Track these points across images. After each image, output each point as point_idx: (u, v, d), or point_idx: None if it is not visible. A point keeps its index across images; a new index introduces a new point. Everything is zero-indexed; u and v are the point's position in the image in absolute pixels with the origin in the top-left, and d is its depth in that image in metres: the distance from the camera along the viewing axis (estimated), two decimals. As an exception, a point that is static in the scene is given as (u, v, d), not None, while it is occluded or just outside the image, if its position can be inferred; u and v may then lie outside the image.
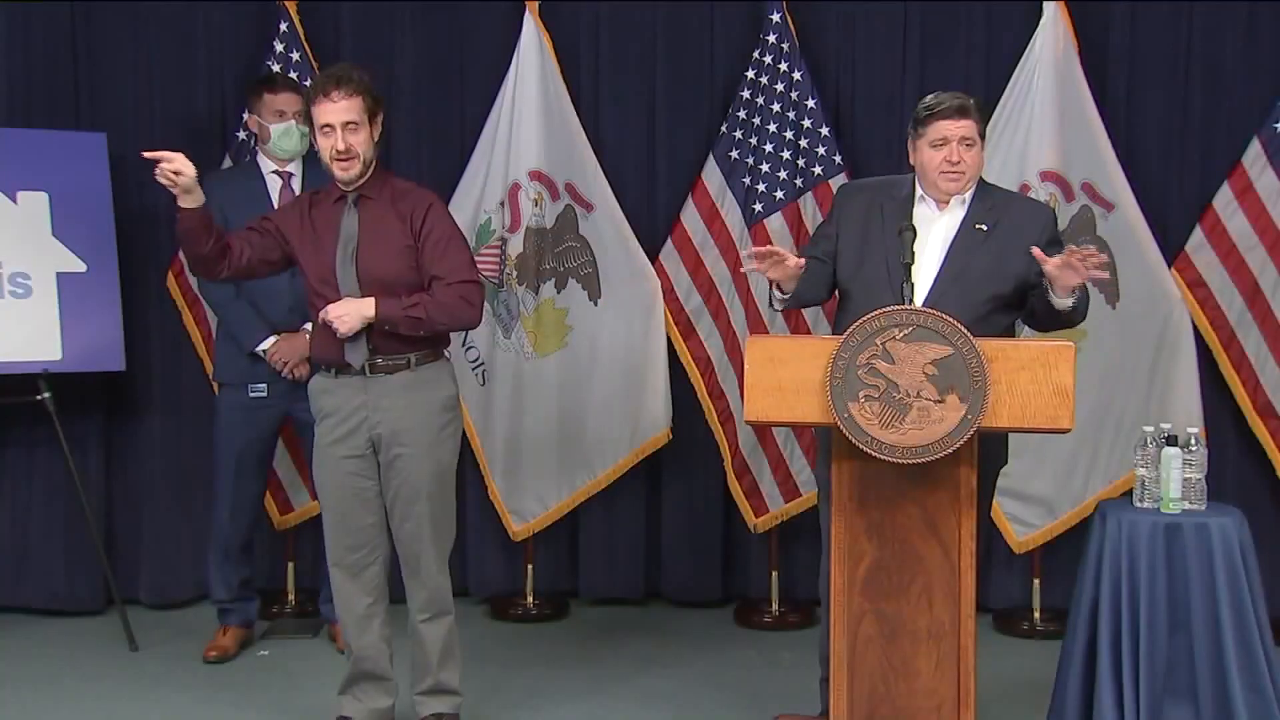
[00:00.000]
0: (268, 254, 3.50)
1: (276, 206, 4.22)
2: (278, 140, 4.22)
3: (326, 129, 3.38)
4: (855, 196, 3.48)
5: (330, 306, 3.39)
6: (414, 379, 3.46)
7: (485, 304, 4.61)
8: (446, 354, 3.59)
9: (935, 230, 3.31)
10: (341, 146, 3.37)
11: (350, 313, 3.37)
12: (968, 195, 3.35)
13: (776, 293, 3.37)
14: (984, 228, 3.32)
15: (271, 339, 4.17)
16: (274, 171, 4.27)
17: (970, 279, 3.27)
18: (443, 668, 3.57)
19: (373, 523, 3.51)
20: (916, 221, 3.26)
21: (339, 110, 3.36)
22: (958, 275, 3.28)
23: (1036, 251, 3.16)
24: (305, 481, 4.69)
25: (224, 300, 4.23)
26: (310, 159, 4.41)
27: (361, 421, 3.45)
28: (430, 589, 3.53)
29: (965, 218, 3.34)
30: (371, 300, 3.37)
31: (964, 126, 3.28)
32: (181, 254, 3.60)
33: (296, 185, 4.27)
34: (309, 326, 4.14)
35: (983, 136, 3.34)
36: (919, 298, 3.20)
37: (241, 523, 4.32)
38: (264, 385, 4.21)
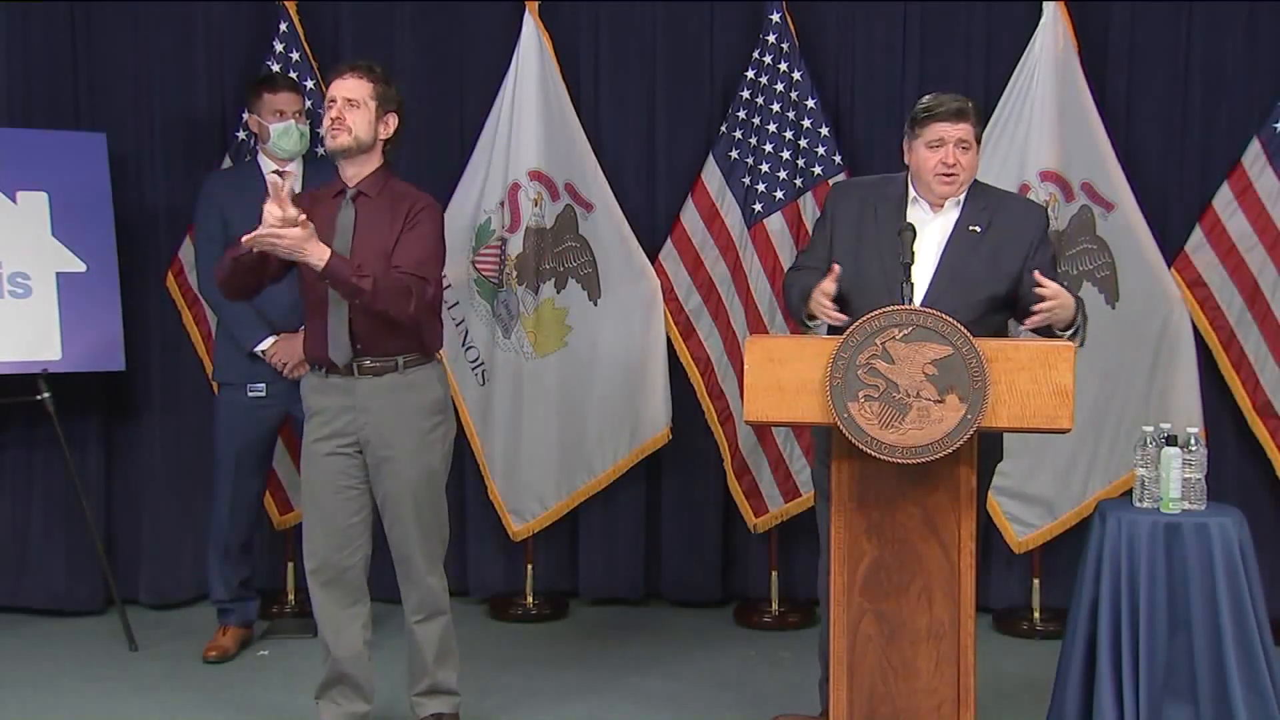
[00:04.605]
0: (282, 264, 3.41)
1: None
2: (277, 140, 4.22)
3: (330, 103, 3.40)
4: (848, 197, 3.46)
5: (283, 231, 3.17)
6: (401, 381, 3.44)
7: (485, 303, 4.67)
8: (438, 356, 3.57)
9: (930, 232, 3.30)
10: (334, 115, 3.37)
11: (297, 241, 3.17)
12: (961, 196, 3.35)
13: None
14: (978, 229, 3.31)
15: (271, 339, 4.17)
16: (274, 171, 4.27)
17: (966, 280, 3.27)
18: (440, 668, 3.57)
19: (355, 522, 3.48)
20: (910, 222, 3.26)
21: (344, 87, 3.39)
22: (954, 277, 3.28)
23: (1039, 277, 3.14)
24: (305, 481, 4.70)
25: (223, 300, 4.21)
26: (310, 159, 4.42)
27: (348, 423, 3.44)
28: (422, 591, 3.53)
29: (959, 219, 3.33)
30: (328, 250, 3.23)
31: (961, 129, 3.26)
32: (215, 279, 3.42)
33: (297, 185, 4.26)
34: (309, 327, 4.18)
35: (979, 140, 3.34)
36: (915, 300, 3.18)
37: (241, 522, 4.32)
38: (263, 385, 4.21)
